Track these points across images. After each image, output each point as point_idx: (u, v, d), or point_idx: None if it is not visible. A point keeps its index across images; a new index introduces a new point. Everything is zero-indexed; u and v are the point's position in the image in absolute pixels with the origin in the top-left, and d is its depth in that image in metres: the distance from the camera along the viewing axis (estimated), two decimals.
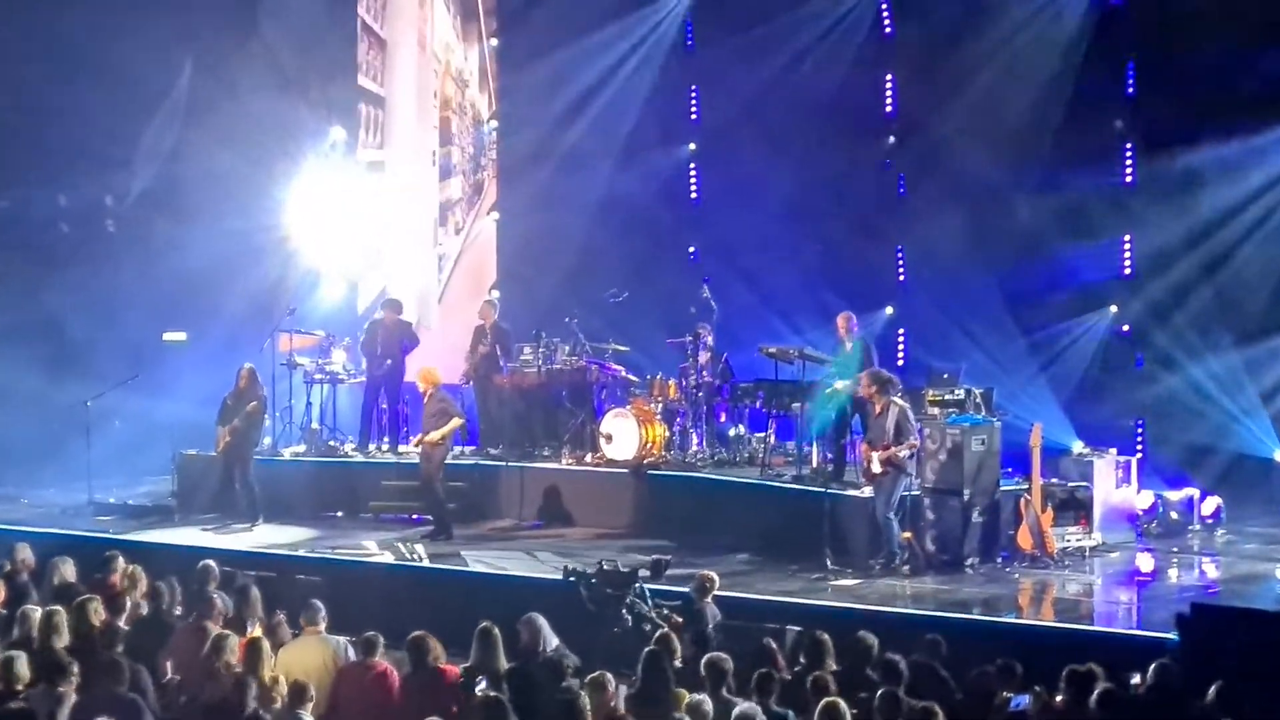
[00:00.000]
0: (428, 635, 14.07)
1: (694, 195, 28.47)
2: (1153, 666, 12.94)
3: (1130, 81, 23.88)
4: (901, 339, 25.44)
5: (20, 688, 12.95)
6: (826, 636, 14.01)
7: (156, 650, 14.75)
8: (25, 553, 17.62)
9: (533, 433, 24.41)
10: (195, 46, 26.72)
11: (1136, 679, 13.25)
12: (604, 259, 27.13)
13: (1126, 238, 24.08)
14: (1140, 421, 24.02)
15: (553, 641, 14.65)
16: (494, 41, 29.45)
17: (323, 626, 14.80)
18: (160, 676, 14.39)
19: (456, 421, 21.93)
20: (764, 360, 22.79)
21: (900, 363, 25.22)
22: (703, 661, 13.28)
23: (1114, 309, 23.87)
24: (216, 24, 26.73)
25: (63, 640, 14.18)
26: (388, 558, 20.38)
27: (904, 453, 19.19)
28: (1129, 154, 24.05)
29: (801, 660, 13.98)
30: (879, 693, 12.56)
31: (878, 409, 19.46)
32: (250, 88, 26.54)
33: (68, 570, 17.00)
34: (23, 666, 13.11)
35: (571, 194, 27.99)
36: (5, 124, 25.98)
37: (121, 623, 15.18)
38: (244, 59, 26.76)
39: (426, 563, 20.12)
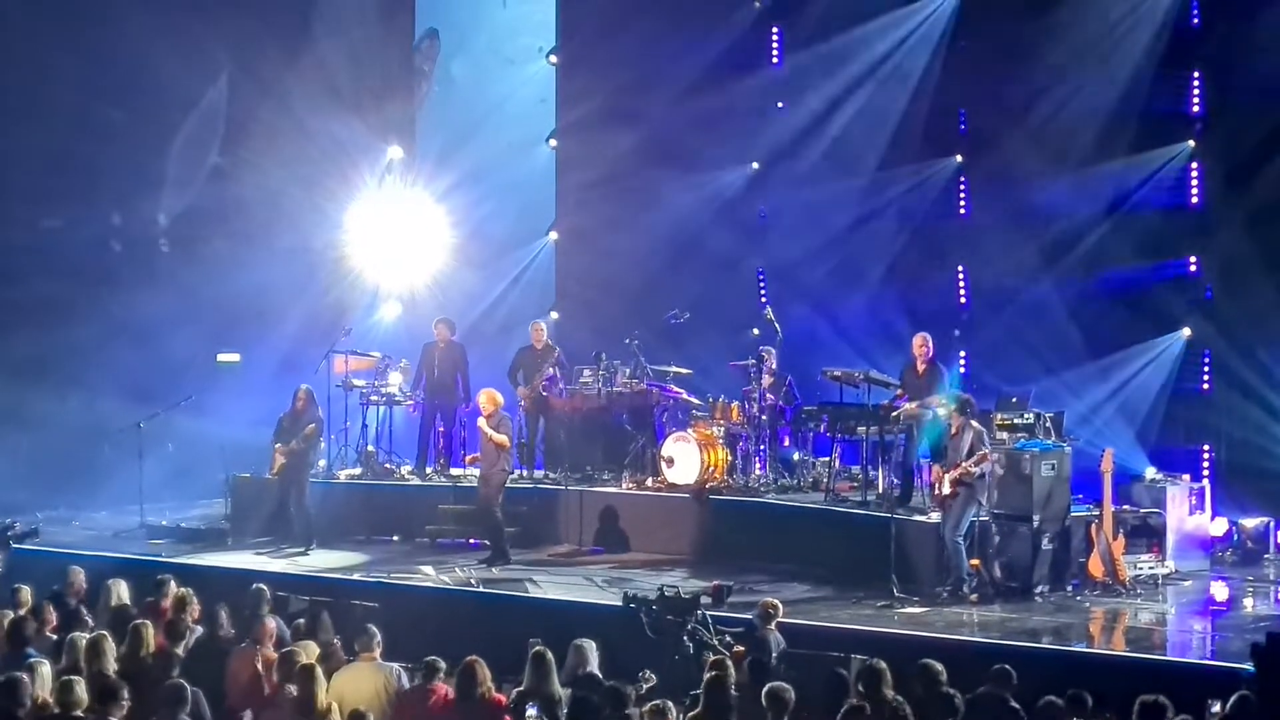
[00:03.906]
0: (477, 662, 13.84)
1: (761, 214, 27.95)
2: (1234, 698, 12.80)
3: (1200, 100, 23.43)
4: (963, 361, 24.95)
5: (79, 712, 12.89)
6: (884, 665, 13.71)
7: (211, 674, 14.68)
8: (77, 577, 17.58)
9: (592, 456, 24.20)
10: (249, 64, 26.54)
11: (1217, 707, 13.34)
12: (665, 280, 26.82)
13: (1192, 259, 23.59)
14: (1200, 447, 23.54)
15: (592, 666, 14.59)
16: (553, 59, 29.09)
17: (377, 653, 14.62)
18: (221, 701, 14.39)
19: (506, 440, 21.61)
20: (828, 383, 22.49)
21: None
22: (764, 692, 13.10)
23: (1187, 332, 23.38)
24: (270, 42, 26.54)
25: (109, 665, 14.10)
26: (445, 583, 20.28)
27: (974, 468, 18.83)
28: (1197, 174, 23.58)
29: (860, 689, 13.71)
30: None
31: (954, 430, 19.24)
32: (305, 106, 26.46)
33: (122, 592, 16.99)
34: (81, 690, 13.04)
35: (632, 213, 27.64)
36: (59, 144, 25.84)
37: (179, 649, 15.11)
38: (298, 77, 26.58)
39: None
